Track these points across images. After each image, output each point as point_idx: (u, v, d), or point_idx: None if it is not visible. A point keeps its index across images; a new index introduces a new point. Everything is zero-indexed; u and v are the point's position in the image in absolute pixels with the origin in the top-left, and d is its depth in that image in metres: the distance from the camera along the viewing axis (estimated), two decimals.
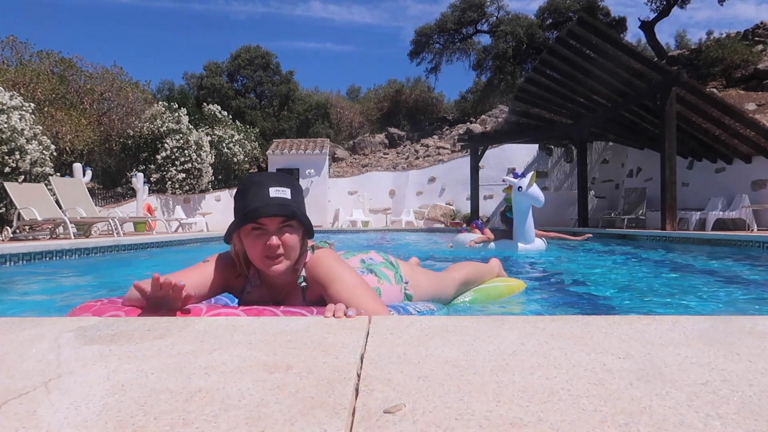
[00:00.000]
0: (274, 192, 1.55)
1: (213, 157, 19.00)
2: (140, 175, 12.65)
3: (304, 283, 1.66)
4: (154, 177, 17.05)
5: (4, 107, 9.52)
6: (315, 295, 1.65)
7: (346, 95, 35.02)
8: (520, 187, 6.02)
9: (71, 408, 0.70)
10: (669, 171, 9.70)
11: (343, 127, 29.13)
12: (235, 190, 1.68)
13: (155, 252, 7.61)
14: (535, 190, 5.94)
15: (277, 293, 1.70)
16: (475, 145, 16.62)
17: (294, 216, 1.54)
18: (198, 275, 1.64)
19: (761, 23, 21.25)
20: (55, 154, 10.96)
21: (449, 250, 7.13)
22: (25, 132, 9.62)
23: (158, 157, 17.19)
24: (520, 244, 6.16)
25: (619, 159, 16.68)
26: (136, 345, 1.02)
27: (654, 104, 10.17)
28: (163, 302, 1.46)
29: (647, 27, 23.03)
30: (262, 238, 1.54)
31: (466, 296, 2.58)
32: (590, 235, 6.82)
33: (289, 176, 1.69)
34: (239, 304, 1.77)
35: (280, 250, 1.54)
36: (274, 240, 1.52)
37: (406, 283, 2.09)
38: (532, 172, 6.83)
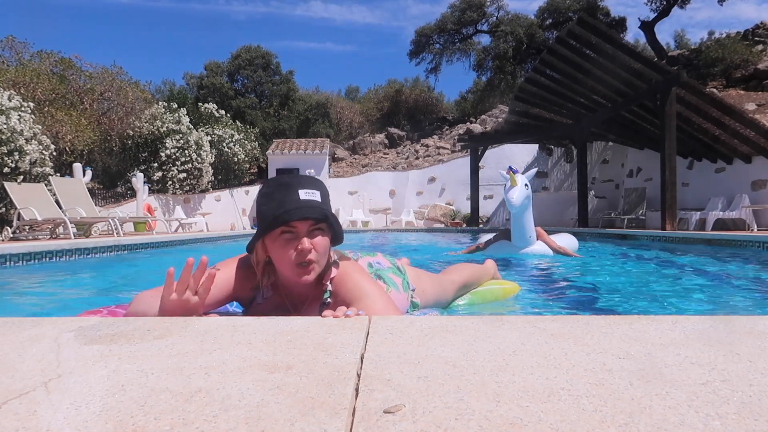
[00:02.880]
0: (304, 194, 1.49)
1: (213, 157, 19.01)
2: (140, 175, 12.66)
3: (329, 299, 1.58)
4: (157, 176, 17.07)
5: (3, 108, 9.51)
6: None
7: (345, 95, 35.05)
8: (505, 185, 5.69)
9: (71, 408, 0.70)
10: (669, 171, 9.71)
11: (343, 127, 29.13)
12: (259, 193, 1.61)
13: (155, 252, 7.61)
14: (512, 192, 5.45)
15: (296, 304, 1.63)
16: (475, 145, 16.63)
17: (326, 219, 1.48)
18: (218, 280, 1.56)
19: (761, 23, 21.25)
20: (55, 154, 10.96)
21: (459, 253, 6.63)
22: (25, 132, 9.62)
23: (162, 155, 17.20)
24: (517, 248, 5.83)
25: (619, 159, 16.68)
26: (136, 345, 1.02)
27: (654, 104, 10.17)
28: (180, 310, 1.39)
29: (647, 27, 23.03)
30: (292, 242, 1.47)
31: (461, 300, 2.54)
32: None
33: (317, 179, 1.61)
34: (244, 313, 1.70)
35: (312, 255, 1.48)
36: (306, 243, 1.46)
37: (413, 290, 2.03)
38: (533, 169, 6.34)
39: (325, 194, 1.56)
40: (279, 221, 1.46)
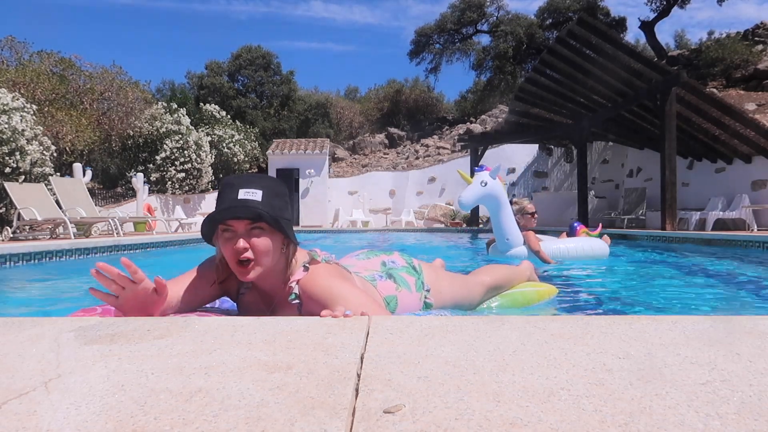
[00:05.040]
0: (243, 194, 1.50)
1: (213, 157, 19.02)
2: (140, 175, 12.66)
3: (296, 301, 1.58)
4: (154, 177, 17.07)
5: (6, 108, 9.52)
6: (312, 313, 1.56)
7: (345, 95, 35.06)
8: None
9: (71, 408, 0.70)
10: (669, 171, 9.71)
11: (343, 127, 29.15)
12: None
13: (155, 252, 7.62)
14: (464, 191, 5.13)
15: (269, 301, 1.65)
16: (475, 145, 16.63)
17: (260, 218, 1.47)
18: (190, 280, 1.62)
19: (761, 23, 21.26)
20: (55, 154, 10.96)
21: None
22: (26, 133, 9.62)
23: (158, 158, 17.20)
24: (500, 251, 5.48)
25: (619, 159, 16.68)
26: (136, 345, 1.02)
27: (654, 104, 10.17)
28: (139, 302, 1.43)
29: (647, 27, 23.04)
30: (231, 241, 1.49)
31: (492, 302, 2.42)
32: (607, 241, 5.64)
33: (269, 177, 1.61)
34: (237, 306, 1.74)
35: (249, 254, 1.48)
36: (241, 243, 1.47)
37: (428, 290, 2.00)
38: (496, 165, 5.62)
39: (270, 193, 1.54)
40: (212, 219, 1.50)
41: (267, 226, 1.50)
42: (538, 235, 5.58)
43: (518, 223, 5.56)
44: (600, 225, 6.43)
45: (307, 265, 1.62)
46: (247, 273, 1.51)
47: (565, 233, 6.02)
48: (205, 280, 1.64)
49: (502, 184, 5.39)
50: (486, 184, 5.20)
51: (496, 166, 5.51)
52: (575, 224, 6.05)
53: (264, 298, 1.67)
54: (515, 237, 5.40)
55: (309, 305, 1.53)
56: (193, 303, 1.63)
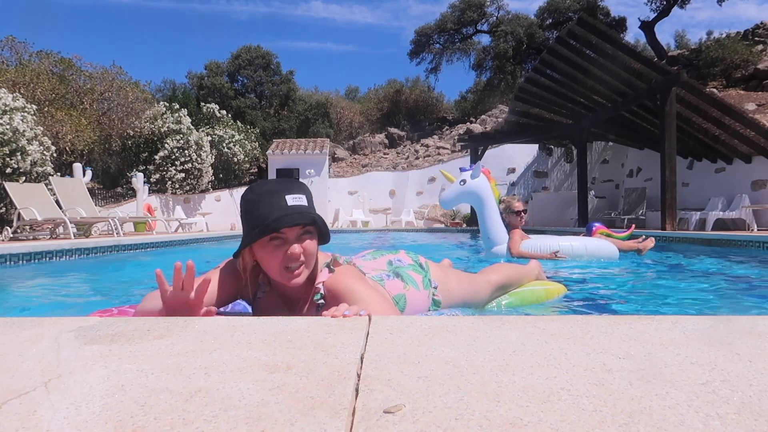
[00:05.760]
0: (292, 200, 1.50)
1: (213, 157, 19.01)
2: (140, 175, 12.66)
3: (321, 301, 1.58)
4: (154, 177, 17.07)
5: (7, 108, 9.52)
6: None
7: (345, 95, 35.06)
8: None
9: (71, 408, 0.70)
10: (669, 171, 9.71)
11: (343, 127, 29.14)
12: (243, 199, 1.60)
13: (155, 252, 7.62)
14: (445, 190, 5.30)
15: (291, 303, 1.65)
16: (475, 145, 16.63)
17: (314, 223, 1.51)
18: (211, 283, 1.60)
19: (761, 23, 21.27)
20: (55, 154, 10.96)
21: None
22: (26, 133, 9.62)
23: (157, 157, 17.20)
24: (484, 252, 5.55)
25: (619, 159, 16.68)
26: (136, 345, 1.02)
27: (654, 104, 10.17)
28: (180, 311, 1.42)
29: (647, 27, 23.04)
30: (281, 248, 1.49)
31: (501, 300, 2.44)
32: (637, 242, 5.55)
33: (300, 182, 1.63)
34: (252, 309, 1.74)
35: (302, 259, 1.51)
36: (297, 249, 1.48)
37: (435, 288, 2.01)
38: (477, 164, 5.62)
39: (309, 197, 1.58)
40: (270, 229, 1.47)
41: (314, 228, 1.53)
42: (531, 235, 5.60)
43: (504, 222, 5.54)
44: (633, 226, 6.27)
45: (331, 266, 1.64)
46: (296, 277, 1.52)
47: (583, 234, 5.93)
48: (226, 285, 1.63)
49: (489, 183, 5.42)
50: (464, 183, 5.29)
51: (476, 164, 5.57)
52: (593, 224, 5.92)
53: (285, 300, 1.66)
54: (497, 235, 5.41)
55: (331, 305, 1.53)
56: (218, 305, 1.63)
